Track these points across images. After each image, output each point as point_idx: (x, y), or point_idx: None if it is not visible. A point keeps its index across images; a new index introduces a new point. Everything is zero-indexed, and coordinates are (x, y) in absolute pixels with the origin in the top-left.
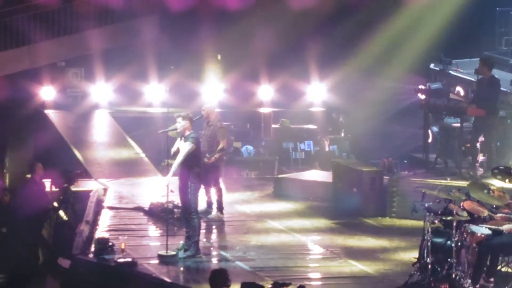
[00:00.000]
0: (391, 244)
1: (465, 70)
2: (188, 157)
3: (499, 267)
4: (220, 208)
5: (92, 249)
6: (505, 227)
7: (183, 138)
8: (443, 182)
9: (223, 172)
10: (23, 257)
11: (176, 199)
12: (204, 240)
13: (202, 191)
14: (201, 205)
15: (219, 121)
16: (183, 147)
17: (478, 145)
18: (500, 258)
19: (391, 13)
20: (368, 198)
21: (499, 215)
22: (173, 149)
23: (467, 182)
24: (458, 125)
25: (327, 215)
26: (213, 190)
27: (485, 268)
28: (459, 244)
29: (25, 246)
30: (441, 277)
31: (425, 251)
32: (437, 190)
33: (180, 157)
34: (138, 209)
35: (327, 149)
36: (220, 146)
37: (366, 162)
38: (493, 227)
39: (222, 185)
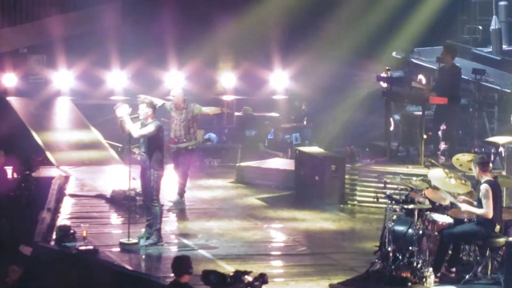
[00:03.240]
0: (352, 232)
1: (427, 58)
2: (151, 143)
3: (461, 256)
4: (182, 193)
5: (54, 236)
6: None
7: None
8: (405, 170)
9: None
10: None
11: (137, 186)
12: (166, 228)
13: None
14: (172, 194)
15: (190, 103)
16: (146, 128)
17: (439, 133)
18: (462, 246)
19: (352, 1)
20: (330, 186)
21: (461, 197)
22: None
23: (429, 170)
24: (420, 113)
25: (290, 203)
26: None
27: (447, 257)
28: (421, 232)
29: None
30: (402, 265)
31: (387, 239)
32: (399, 178)
33: (141, 131)
34: (100, 196)
35: (280, 138)
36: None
37: (329, 150)
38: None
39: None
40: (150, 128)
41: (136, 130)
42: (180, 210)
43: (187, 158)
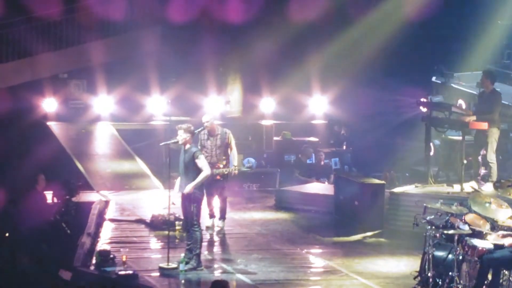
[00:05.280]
0: (392, 257)
1: (467, 83)
2: (190, 169)
3: (501, 281)
4: (223, 217)
5: (94, 261)
6: (507, 241)
7: (184, 151)
8: (444, 195)
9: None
10: (25, 268)
11: (177, 211)
12: (206, 252)
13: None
14: (205, 217)
15: (223, 128)
16: (201, 161)
17: (479, 158)
18: (502, 272)
19: (392, 26)
20: (369, 211)
21: (500, 232)
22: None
23: (469, 196)
24: (460, 138)
25: (329, 228)
26: (216, 199)
27: (486, 282)
28: (461, 257)
29: (28, 258)
30: None
31: (427, 265)
32: (439, 203)
33: (206, 170)
34: (140, 221)
35: (322, 162)
36: (235, 154)
37: (368, 175)
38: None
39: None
40: (203, 160)
41: (203, 174)
42: (219, 234)
43: (223, 183)
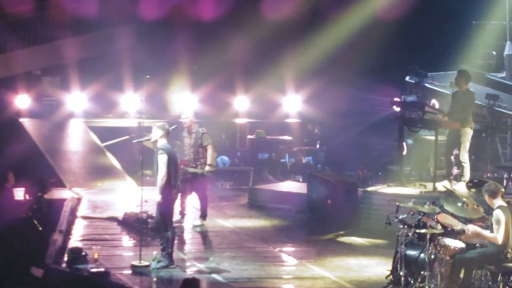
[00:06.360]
0: (364, 255)
1: (440, 83)
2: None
3: (472, 281)
4: (202, 216)
5: (65, 258)
6: (471, 227)
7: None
8: (417, 194)
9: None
10: None
11: (150, 209)
12: (178, 250)
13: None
14: (176, 214)
15: (200, 127)
16: (159, 161)
17: (452, 158)
18: (474, 271)
19: (366, 25)
20: (342, 210)
21: (470, 226)
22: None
23: (441, 195)
24: (433, 138)
25: (302, 226)
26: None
27: (458, 281)
28: (433, 257)
29: None
30: None
31: (399, 264)
32: (411, 202)
33: (161, 172)
34: (112, 219)
35: (304, 161)
36: (210, 154)
37: (341, 174)
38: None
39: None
40: (161, 160)
41: (158, 177)
42: (194, 233)
43: (199, 182)
